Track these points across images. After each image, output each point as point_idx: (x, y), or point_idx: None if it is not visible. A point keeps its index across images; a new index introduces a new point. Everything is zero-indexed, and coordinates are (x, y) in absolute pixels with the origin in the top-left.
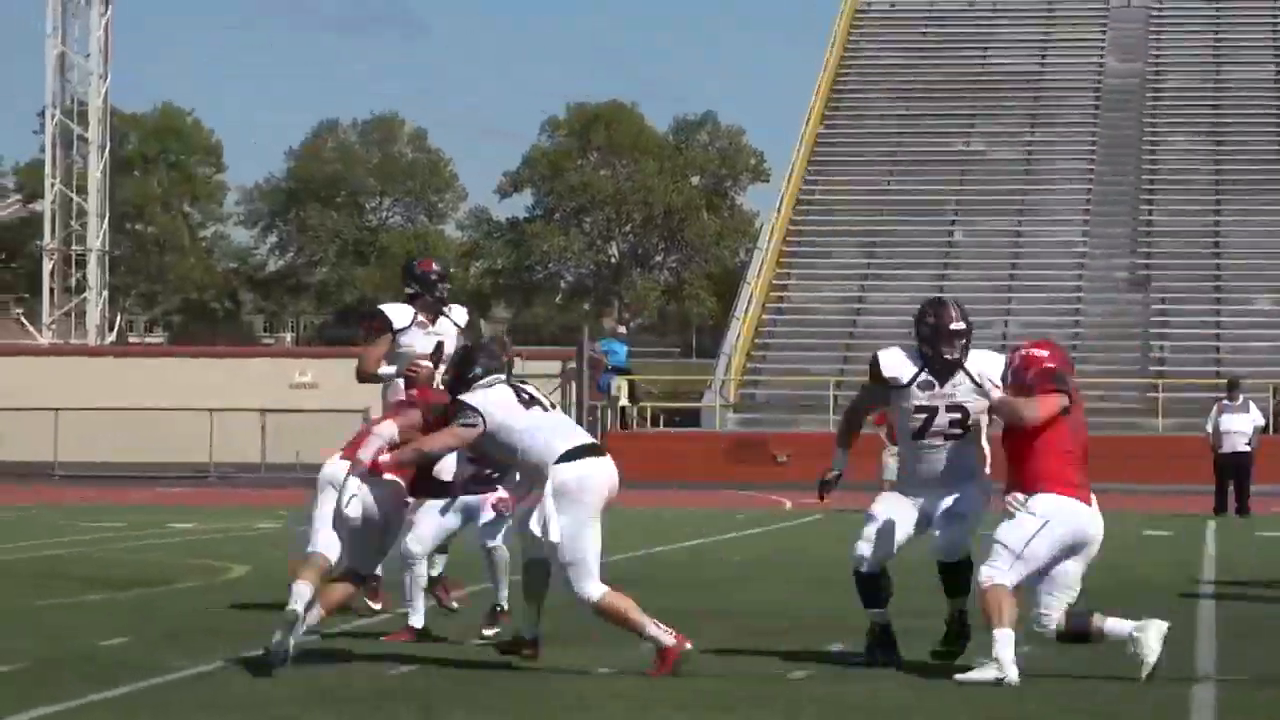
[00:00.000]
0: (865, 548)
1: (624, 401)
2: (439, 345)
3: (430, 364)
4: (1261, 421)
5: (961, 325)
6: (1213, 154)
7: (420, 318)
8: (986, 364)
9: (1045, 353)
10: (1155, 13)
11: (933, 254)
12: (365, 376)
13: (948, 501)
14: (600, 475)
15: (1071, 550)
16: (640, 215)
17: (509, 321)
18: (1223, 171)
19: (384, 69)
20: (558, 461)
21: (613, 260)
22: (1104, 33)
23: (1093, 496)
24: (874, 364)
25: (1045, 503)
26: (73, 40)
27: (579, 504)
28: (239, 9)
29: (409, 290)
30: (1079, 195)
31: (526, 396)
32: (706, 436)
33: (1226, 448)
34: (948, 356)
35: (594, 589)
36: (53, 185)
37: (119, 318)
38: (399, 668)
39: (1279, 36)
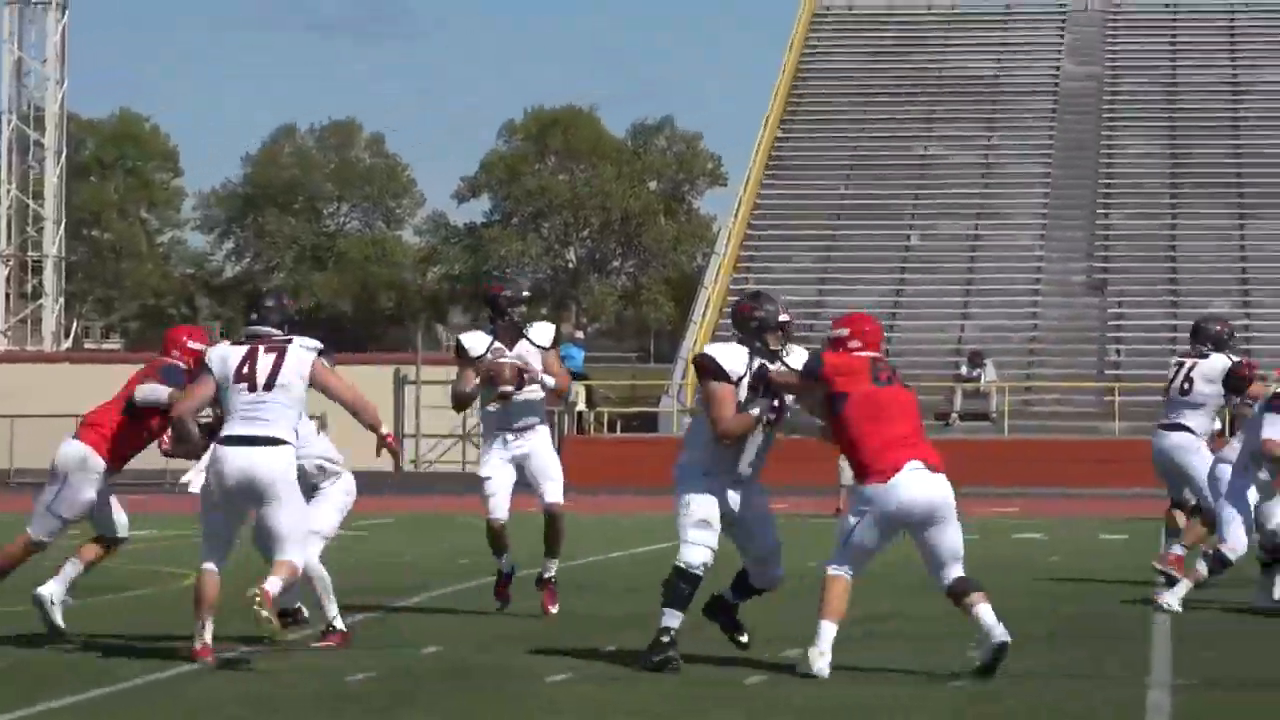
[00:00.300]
0: (709, 553)
1: (581, 407)
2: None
3: (512, 360)
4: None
5: (785, 317)
6: (1169, 158)
7: (498, 342)
8: (798, 360)
9: (845, 330)
10: (1112, 16)
11: (890, 258)
12: (458, 401)
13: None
14: (227, 466)
15: (917, 527)
16: (598, 220)
17: (465, 328)
18: (1179, 175)
19: (343, 75)
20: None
21: (570, 265)
22: (1061, 36)
23: (917, 464)
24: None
25: (863, 495)
26: (29, 46)
27: (206, 487)
28: (197, 15)
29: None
30: (1036, 199)
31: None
32: (664, 441)
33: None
34: (773, 349)
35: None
36: (9, 191)
37: (75, 324)
38: (354, 674)
39: (1235, 39)
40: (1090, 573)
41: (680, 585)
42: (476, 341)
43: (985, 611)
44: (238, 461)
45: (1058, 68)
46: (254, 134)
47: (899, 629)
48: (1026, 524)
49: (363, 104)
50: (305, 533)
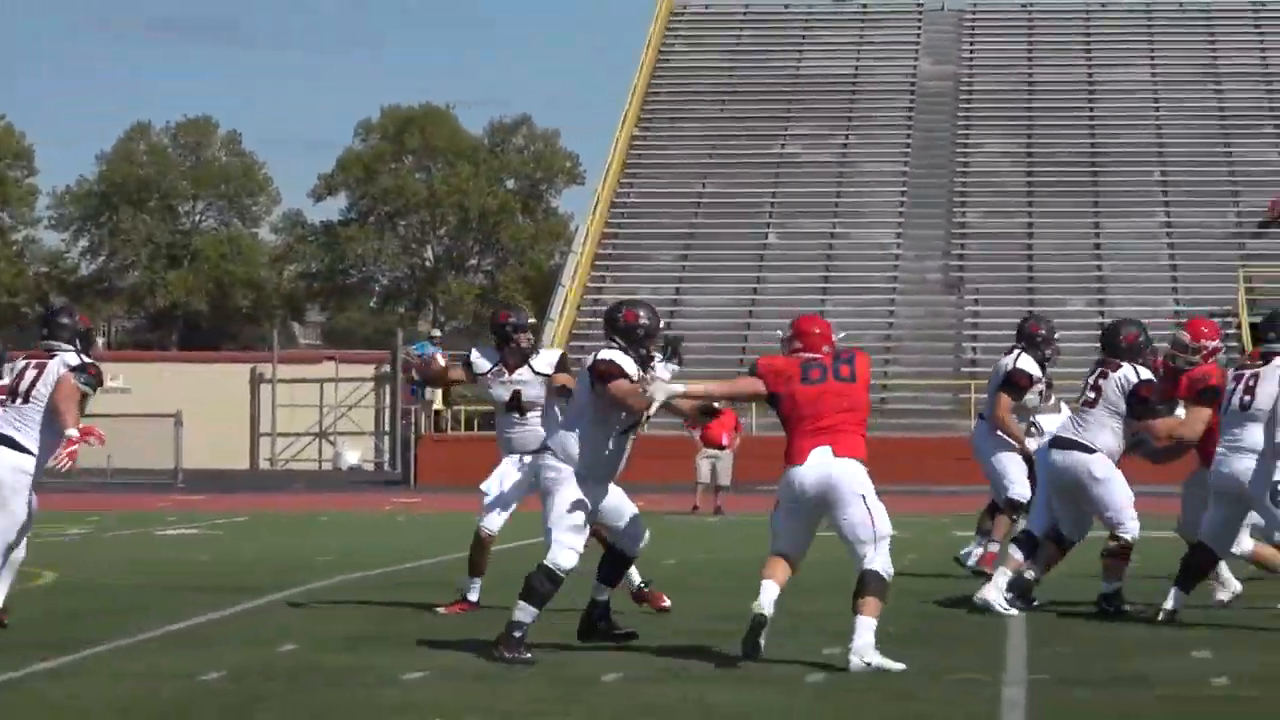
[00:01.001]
0: (578, 557)
1: (438, 405)
2: (515, 394)
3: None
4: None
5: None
6: (1025, 156)
7: (498, 366)
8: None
9: (790, 333)
10: (968, 16)
11: (748, 257)
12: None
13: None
14: None
15: (815, 509)
16: (455, 218)
17: (322, 326)
18: (1035, 173)
19: (199, 73)
20: None
21: (427, 264)
22: (918, 36)
23: (823, 449)
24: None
25: (780, 482)
26: None
27: None
28: (49, 16)
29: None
30: (893, 198)
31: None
32: None
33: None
34: (650, 355)
35: None
36: None
37: None
38: (208, 673)
39: (1090, 39)
40: (947, 570)
41: (545, 585)
42: (481, 361)
43: (863, 625)
44: None
45: (915, 67)
46: (109, 132)
47: (796, 626)
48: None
49: (219, 103)
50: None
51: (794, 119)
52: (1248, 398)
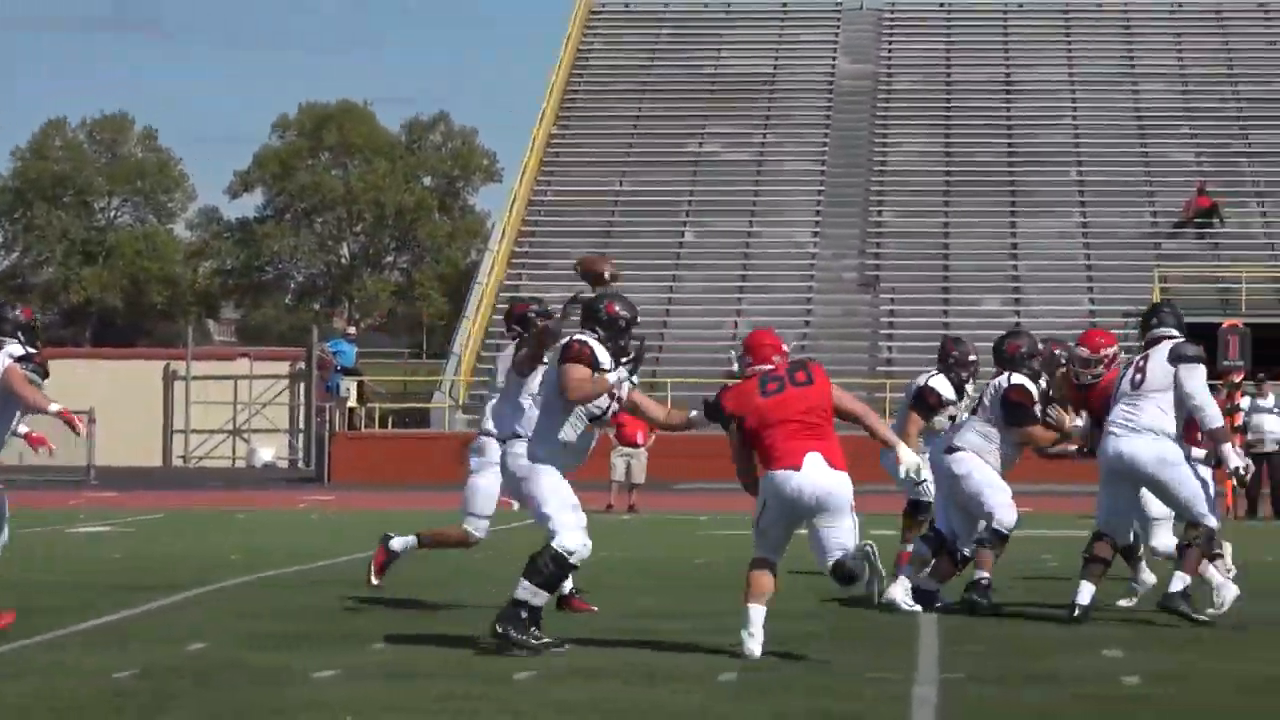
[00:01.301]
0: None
1: (352, 403)
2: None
3: None
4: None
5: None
6: (943, 155)
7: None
8: None
9: (743, 349)
10: (887, 15)
11: (664, 254)
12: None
13: None
14: None
15: (807, 513)
16: (372, 216)
17: (237, 323)
18: (952, 173)
19: (115, 68)
20: None
21: (343, 261)
22: (836, 34)
23: (814, 454)
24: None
25: (762, 484)
26: None
27: None
28: None
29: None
30: (810, 196)
31: None
32: (435, 437)
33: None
34: (622, 343)
35: None
36: None
37: None
38: (120, 672)
39: (1009, 38)
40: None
41: (550, 568)
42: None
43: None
44: None
45: (833, 66)
46: (24, 128)
47: (705, 624)
48: None
49: (135, 99)
50: None
51: (712, 117)
52: (1139, 376)
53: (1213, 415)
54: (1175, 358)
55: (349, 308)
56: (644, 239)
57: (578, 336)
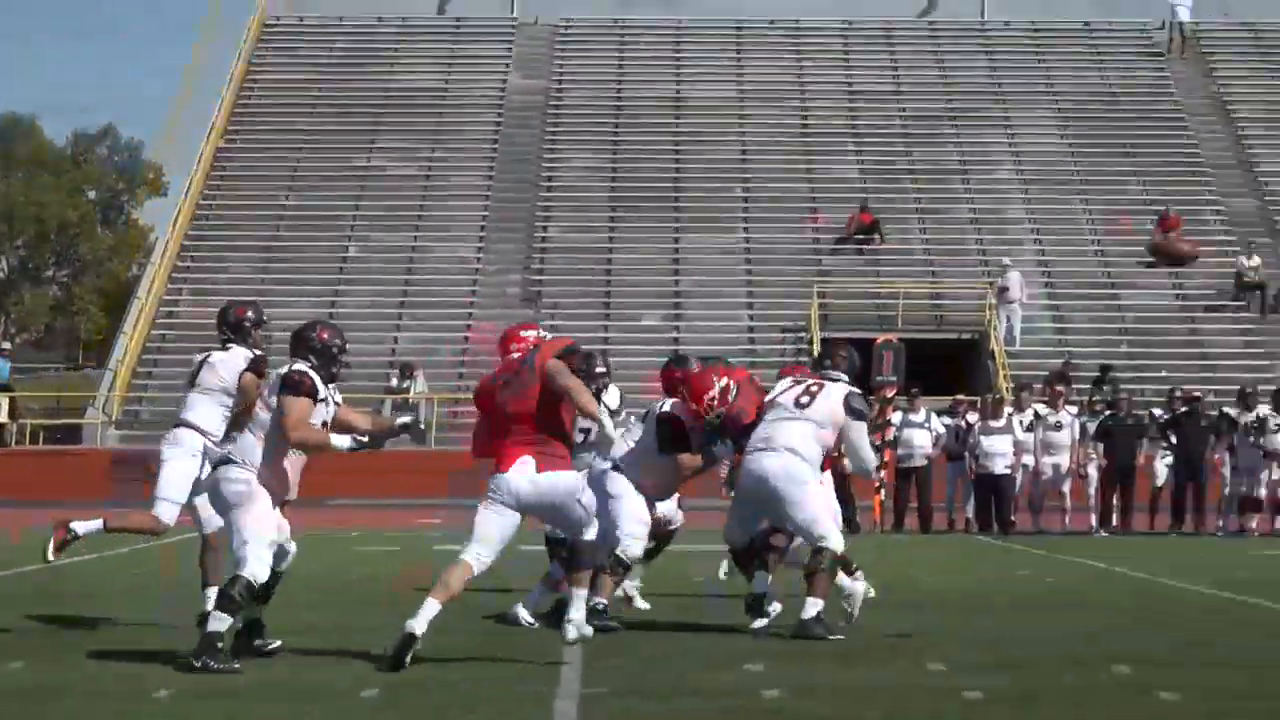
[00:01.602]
0: None
1: (3, 419)
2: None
3: None
4: None
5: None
6: (610, 172)
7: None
8: None
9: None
10: (561, 31)
11: (328, 269)
12: None
13: None
14: None
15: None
16: (33, 230)
17: None
18: (618, 189)
19: None
20: None
21: (1, 275)
22: (509, 50)
23: (521, 458)
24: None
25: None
26: None
27: None
28: None
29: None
30: (475, 211)
31: None
32: (87, 453)
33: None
34: (334, 370)
35: None
36: None
37: None
38: None
39: (680, 57)
40: (506, 583)
41: (248, 598)
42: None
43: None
44: None
45: (505, 81)
46: None
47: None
48: (450, 535)
49: None
50: None
51: (382, 132)
52: (806, 399)
53: (870, 460)
54: (851, 410)
55: (5, 322)
56: (308, 254)
57: (297, 367)
